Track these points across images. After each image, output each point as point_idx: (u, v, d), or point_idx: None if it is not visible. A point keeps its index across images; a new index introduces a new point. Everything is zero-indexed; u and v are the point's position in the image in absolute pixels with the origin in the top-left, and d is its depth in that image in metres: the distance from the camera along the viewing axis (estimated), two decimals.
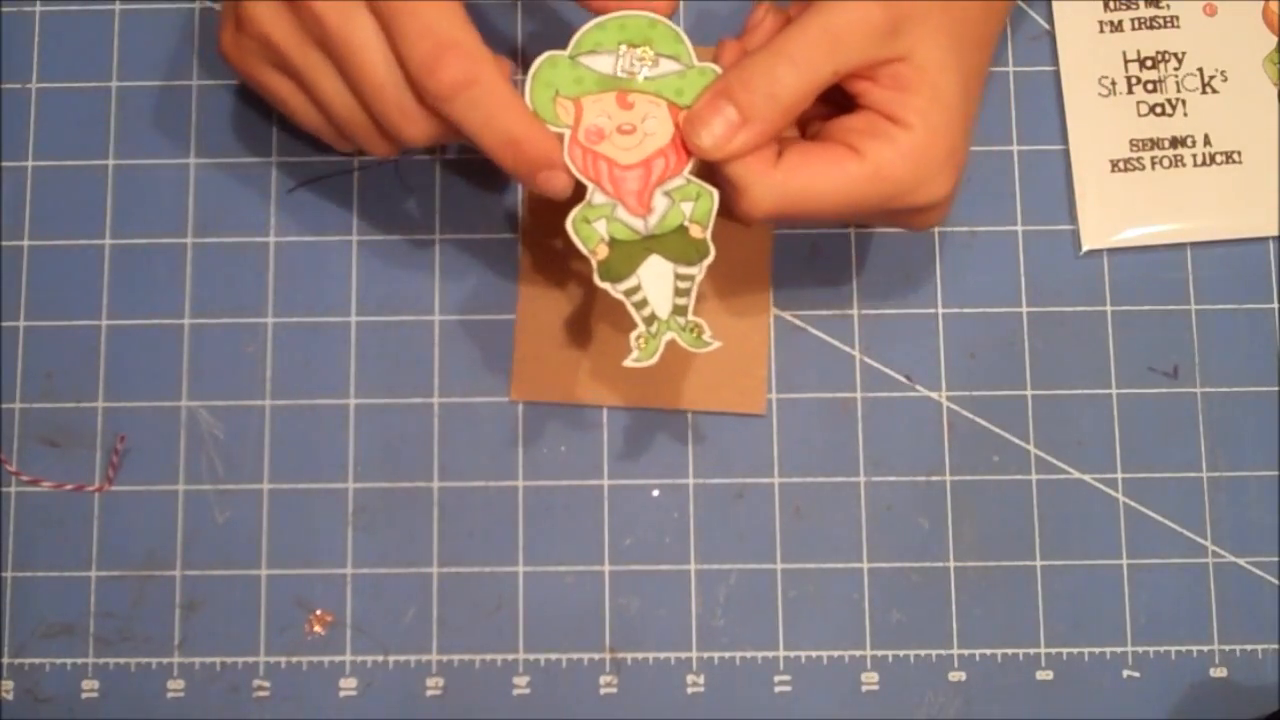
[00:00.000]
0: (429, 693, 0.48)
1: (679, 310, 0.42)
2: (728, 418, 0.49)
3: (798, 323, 0.50)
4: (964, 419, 0.49)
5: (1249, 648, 0.48)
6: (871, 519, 0.49)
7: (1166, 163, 0.49)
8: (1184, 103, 0.50)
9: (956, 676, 0.48)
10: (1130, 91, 0.50)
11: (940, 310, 0.50)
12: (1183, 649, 0.48)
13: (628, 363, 0.42)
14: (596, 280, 0.42)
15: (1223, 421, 0.49)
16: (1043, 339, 0.50)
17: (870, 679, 0.48)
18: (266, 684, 0.48)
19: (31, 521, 0.48)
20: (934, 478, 0.49)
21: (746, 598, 0.48)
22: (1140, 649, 0.48)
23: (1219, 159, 0.50)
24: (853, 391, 0.49)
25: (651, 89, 0.42)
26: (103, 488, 0.48)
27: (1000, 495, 0.49)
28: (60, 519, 0.48)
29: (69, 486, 0.48)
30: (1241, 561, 0.48)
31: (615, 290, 0.42)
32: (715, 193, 0.42)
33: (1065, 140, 0.50)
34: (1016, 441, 0.49)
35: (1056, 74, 0.51)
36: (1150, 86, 0.50)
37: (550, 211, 0.48)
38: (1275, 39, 0.51)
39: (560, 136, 0.42)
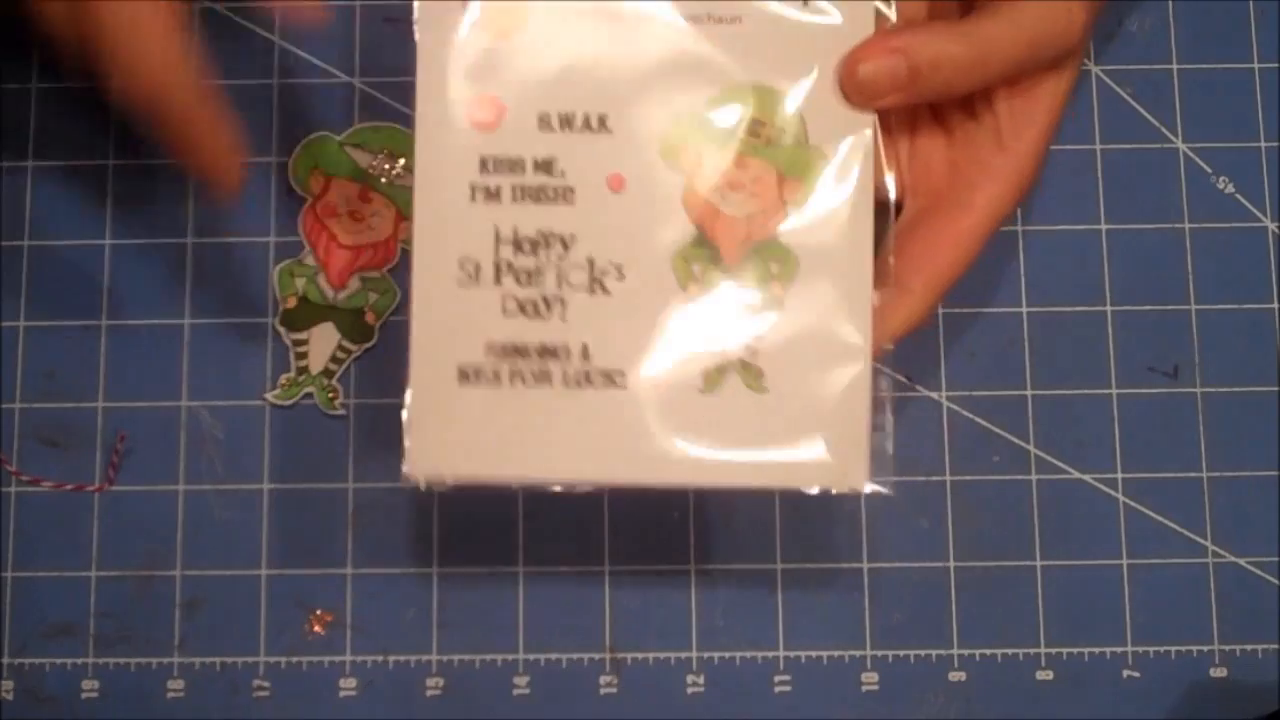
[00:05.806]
0: (429, 693, 0.48)
1: (328, 373, 0.48)
2: None
3: None
4: (964, 419, 0.49)
5: (1249, 648, 0.48)
6: (872, 519, 0.48)
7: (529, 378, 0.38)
8: (563, 302, 0.39)
9: (956, 676, 0.48)
10: (498, 281, 0.38)
11: (940, 310, 0.50)
12: (1183, 649, 0.48)
13: (268, 396, 0.48)
14: (276, 322, 0.48)
15: (1223, 421, 0.49)
16: (1043, 339, 0.50)
17: (870, 679, 0.48)
18: (266, 684, 0.48)
19: (31, 521, 0.48)
20: (934, 478, 0.49)
21: (746, 598, 0.48)
22: (1140, 649, 0.48)
23: (596, 379, 0.38)
24: None
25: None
26: (103, 487, 0.48)
27: (1000, 495, 0.49)
28: (60, 519, 0.48)
29: (69, 486, 0.48)
30: (1241, 561, 0.48)
31: (288, 336, 0.48)
32: (399, 292, 0.48)
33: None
34: (1016, 441, 0.49)
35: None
36: (524, 277, 0.38)
37: None
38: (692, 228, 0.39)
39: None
